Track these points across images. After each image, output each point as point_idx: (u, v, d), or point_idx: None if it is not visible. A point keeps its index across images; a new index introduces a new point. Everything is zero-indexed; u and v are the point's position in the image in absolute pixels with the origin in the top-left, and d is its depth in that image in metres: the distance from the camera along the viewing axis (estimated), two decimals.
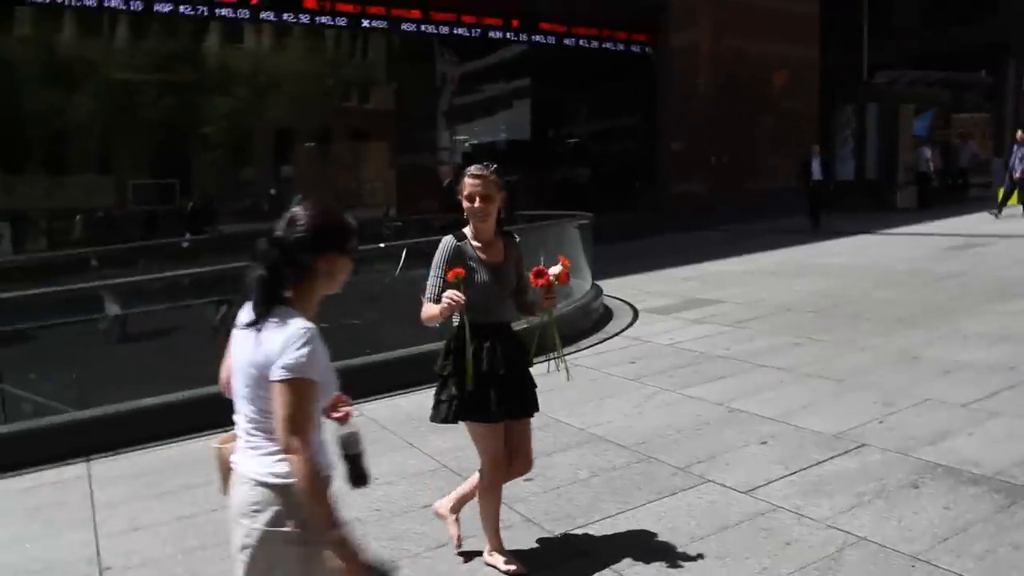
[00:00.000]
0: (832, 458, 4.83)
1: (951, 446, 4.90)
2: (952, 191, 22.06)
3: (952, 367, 6.55)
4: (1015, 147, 16.98)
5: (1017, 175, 16.84)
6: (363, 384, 6.89)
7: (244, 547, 2.29)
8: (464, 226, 3.66)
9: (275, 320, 2.28)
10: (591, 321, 8.95)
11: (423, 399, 6.73)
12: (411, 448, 5.52)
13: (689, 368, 7.07)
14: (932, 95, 22.73)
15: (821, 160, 17.38)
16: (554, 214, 10.10)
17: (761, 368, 6.88)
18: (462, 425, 3.69)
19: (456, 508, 4.01)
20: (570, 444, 5.42)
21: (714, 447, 5.16)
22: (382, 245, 8.61)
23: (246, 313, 2.35)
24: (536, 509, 4.44)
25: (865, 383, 6.28)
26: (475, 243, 3.61)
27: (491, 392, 3.56)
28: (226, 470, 2.42)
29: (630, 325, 9.05)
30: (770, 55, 22.95)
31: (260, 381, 2.27)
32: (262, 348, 2.26)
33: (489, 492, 3.79)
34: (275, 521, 2.25)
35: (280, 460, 2.25)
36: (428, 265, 3.67)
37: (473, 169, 3.60)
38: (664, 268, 13.13)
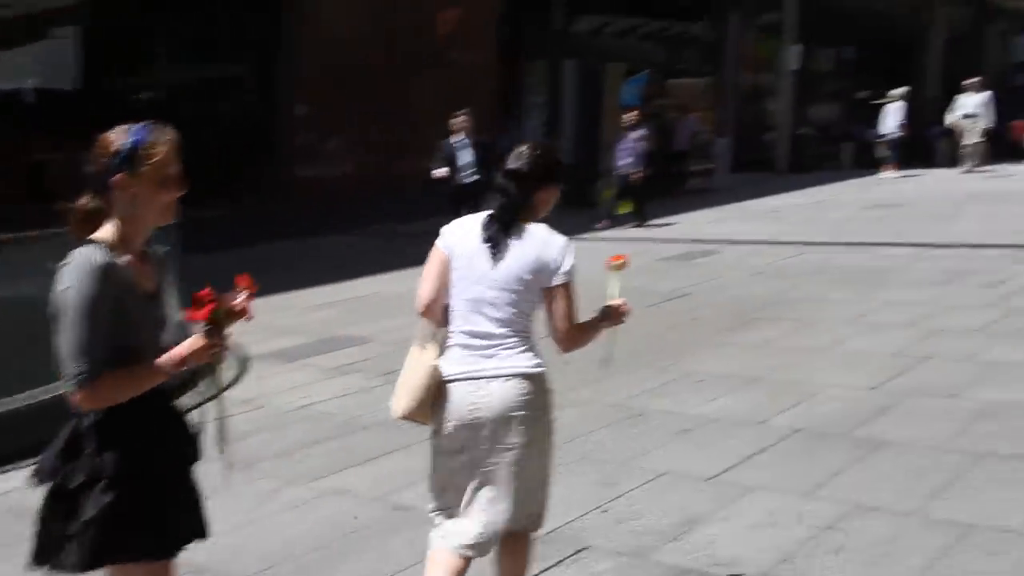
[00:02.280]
0: (541, 572, 4.81)
1: (700, 539, 5.10)
2: (669, 181, 23.94)
3: (690, 423, 6.93)
4: (623, 135, 18.68)
5: (627, 172, 18.19)
6: None
7: (502, 450, 3.80)
8: (89, 231, 3.11)
9: (528, 235, 3.86)
10: (176, 378, 8.41)
11: None
12: None
13: (329, 444, 6.99)
14: (645, 51, 24.57)
15: (476, 142, 15.19)
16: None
17: None
18: None
19: None
20: None
21: (376, 569, 5.02)
22: None
23: (472, 232, 3.91)
24: None
25: (577, 454, 6.42)
26: (123, 259, 3.10)
27: (165, 506, 3.16)
28: (435, 388, 3.83)
29: (237, 381, 8.75)
30: None
31: (530, 286, 3.83)
32: (529, 258, 3.81)
33: None
34: (542, 404, 3.86)
35: (535, 354, 3.86)
36: None
37: (168, 130, 3.16)
38: (287, 290, 12.92)
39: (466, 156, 14.78)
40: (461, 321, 3.88)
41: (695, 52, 28.65)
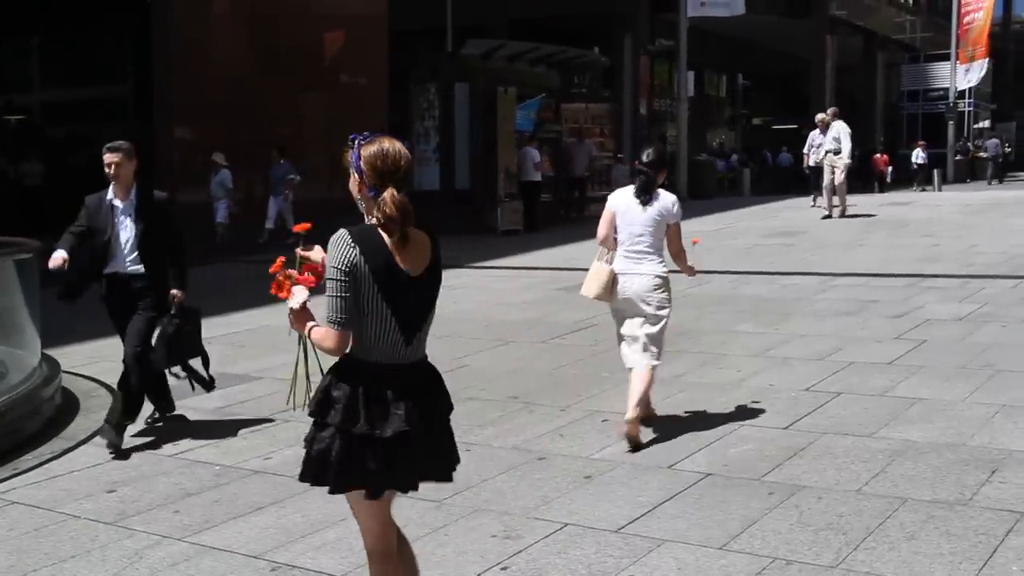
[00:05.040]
0: None
1: None
2: (566, 207, 23.87)
3: (593, 468, 6.71)
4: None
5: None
6: None
7: (647, 311, 7.27)
8: None
9: (660, 195, 7.35)
10: (40, 421, 8.26)
11: None
12: None
13: (206, 496, 6.68)
14: (538, 76, 24.52)
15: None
16: None
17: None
18: None
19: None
20: None
21: None
22: None
23: (626, 196, 7.44)
24: None
25: (476, 502, 6.21)
26: None
27: None
28: (611, 280, 7.29)
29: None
30: (321, 8, 23.45)
31: (661, 224, 7.28)
32: (660, 208, 7.28)
33: None
34: (665, 289, 7.32)
35: (664, 265, 7.36)
36: None
37: None
38: None
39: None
40: (625, 244, 7.26)
41: (590, 77, 28.69)
